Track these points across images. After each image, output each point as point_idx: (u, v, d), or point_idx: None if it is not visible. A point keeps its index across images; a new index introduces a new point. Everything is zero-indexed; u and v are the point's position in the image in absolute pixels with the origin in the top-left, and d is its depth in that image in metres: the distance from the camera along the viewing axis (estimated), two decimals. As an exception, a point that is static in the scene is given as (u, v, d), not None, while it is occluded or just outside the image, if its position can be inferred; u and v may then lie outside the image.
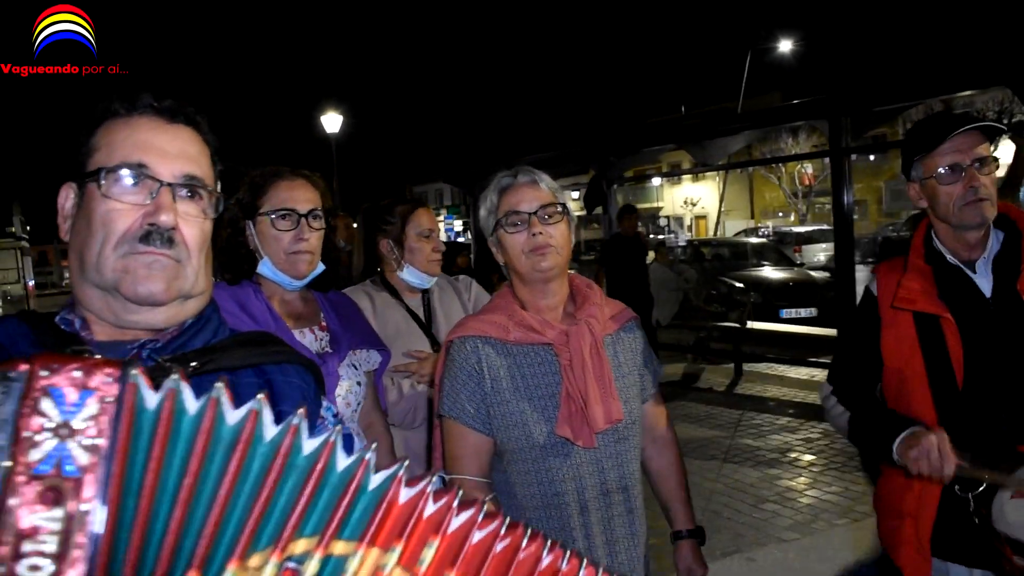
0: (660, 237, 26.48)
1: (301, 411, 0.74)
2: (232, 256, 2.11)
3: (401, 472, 0.77)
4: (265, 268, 2.09)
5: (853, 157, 8.36)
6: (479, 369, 1.88)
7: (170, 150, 1.06)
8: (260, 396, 0.74)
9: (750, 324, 9.95)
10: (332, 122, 23.90)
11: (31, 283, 25.98)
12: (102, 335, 1.03)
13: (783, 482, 5.56)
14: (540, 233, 1.86)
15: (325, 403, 1.18)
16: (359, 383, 2.15)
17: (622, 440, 1.89)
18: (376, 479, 0.76)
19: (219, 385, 0.73)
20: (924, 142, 2.07)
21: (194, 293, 1.06)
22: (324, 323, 2.19)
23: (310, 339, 2.12)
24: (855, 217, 7.91)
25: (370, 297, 2.74)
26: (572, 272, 2.06)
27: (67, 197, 1.08)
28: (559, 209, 1.91)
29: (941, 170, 2.02)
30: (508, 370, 1.88)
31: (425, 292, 2.84)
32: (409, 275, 2.78)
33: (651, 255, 10.76)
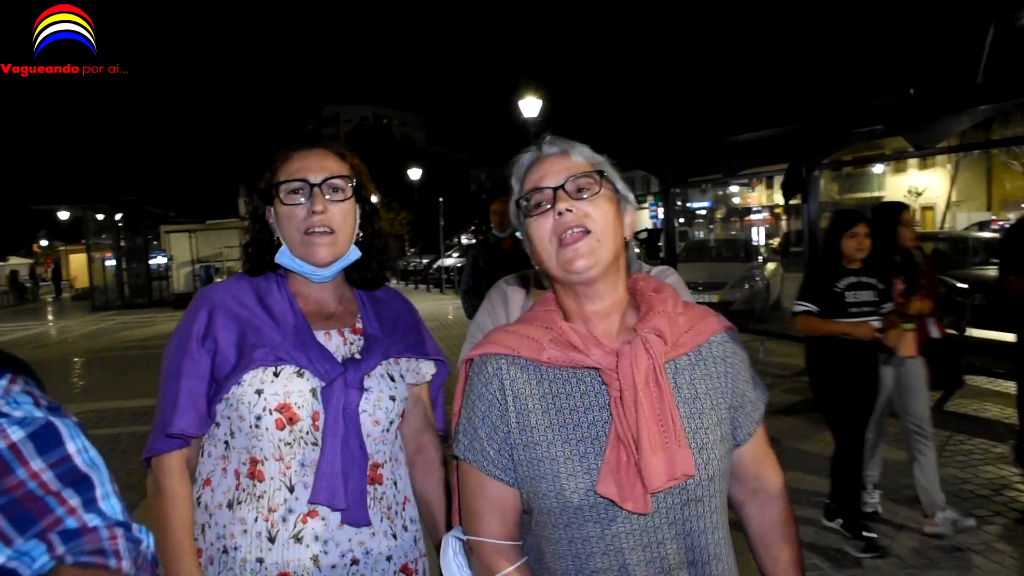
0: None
1: None
2: (256, 249, 1.82)
3: None
4: (283, 256, 1.76)
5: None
6: (502, 399, 1.44)
7: None
8: None
9: (971, 331, 8.71)
10: (531, 107, 23.84)
11: (253, 260, 28.15)
12: None
13: (992, 527, 4.65)
14: (569, 210, 1.40)
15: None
16: (392, 397, 1.77)
17: (694, 502, 1.38)
18: None
19: None
20: None
21: None
22: (359, 325, 1.84)
23: (337, 342, 1.78)
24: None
25: (504, 296, 2.21)
26: (643, 274, 1.57)
27: None
28: (596, 180, 1.43)
29: None
30: (540, 401, 1.42)
31: None
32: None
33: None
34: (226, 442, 1.70)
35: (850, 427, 4.51)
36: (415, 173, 43.78)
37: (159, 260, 30.54)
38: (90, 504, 0.87)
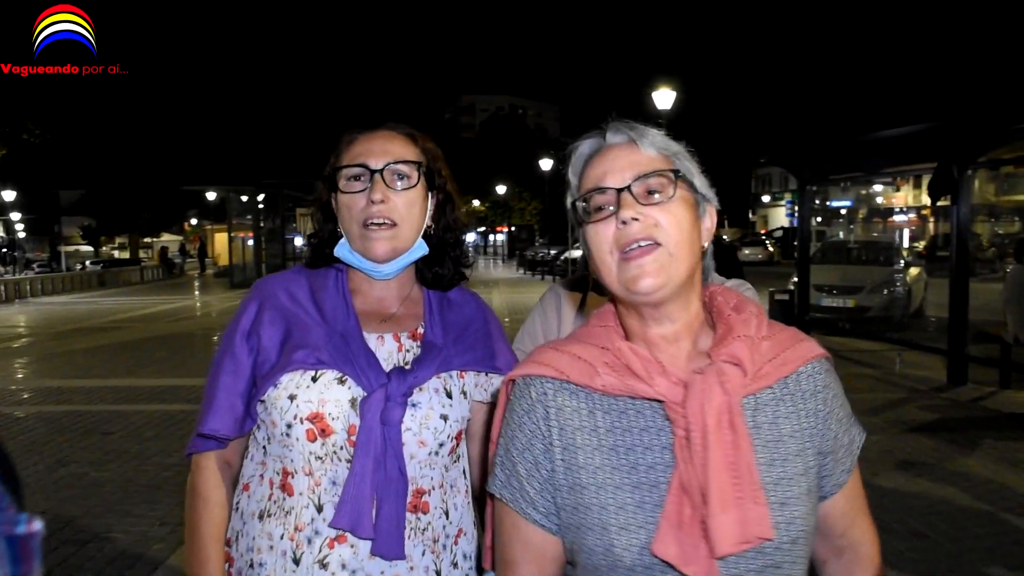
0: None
1: None
2: (319, 240, 1.66)
3: None
4: (341, 249, 1.59)
5: None
6: (546, 431, 1.20)
7: None
8: None
9: None
10: (664, 98, 23.25)
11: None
12: None
13: None
14: (636, 219, 1.14)
15: None
16: (444, 416, 1.54)
17: (771, 568, 1.12)
18: None
19: None
20: None
21: None
22: (421, 330, 1.63)
23: (390, 348, 1.57)
24: None
25: (559, 301, 2.07)
26: (717, 284, 1.32)
27: None
28: (670, 180, 1.17)
29: None
30: (591, 436, 1.18)
31: None
32: None
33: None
34: (264, 447, 1.56)
35: None
36: (546, 164, 43.73)
37: (295, 241, 31.68)
38: None
